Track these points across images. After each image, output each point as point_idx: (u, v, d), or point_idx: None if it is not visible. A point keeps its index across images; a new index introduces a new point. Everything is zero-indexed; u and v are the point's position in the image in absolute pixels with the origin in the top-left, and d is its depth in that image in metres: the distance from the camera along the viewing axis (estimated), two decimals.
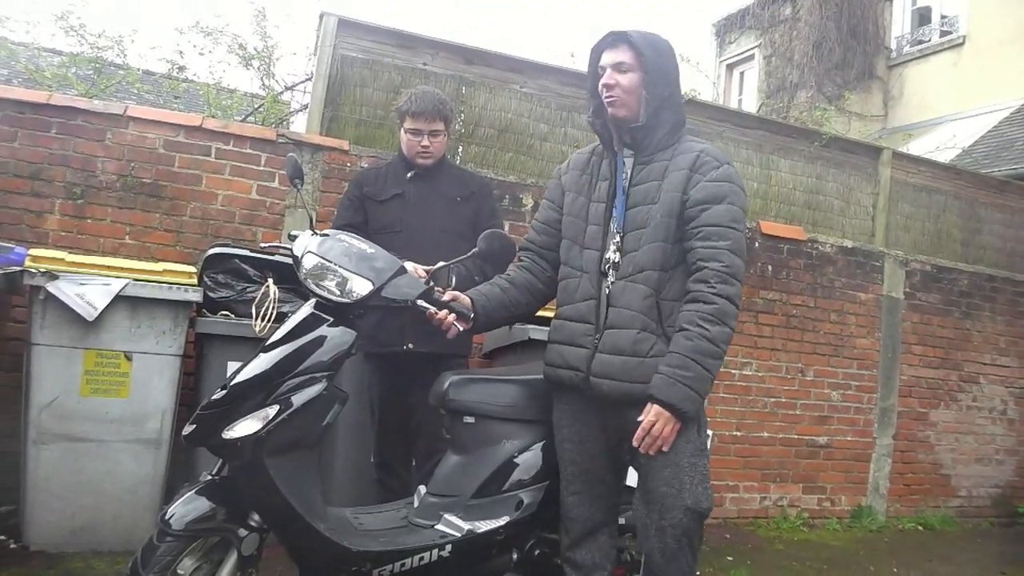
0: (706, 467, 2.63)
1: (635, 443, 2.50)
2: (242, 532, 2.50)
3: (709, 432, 4.69)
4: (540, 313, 3.21)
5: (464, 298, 2.81)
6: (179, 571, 2.46)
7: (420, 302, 2.68)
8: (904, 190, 7.02)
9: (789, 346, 6.03)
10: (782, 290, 6.03)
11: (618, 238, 2.67)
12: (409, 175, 3.67)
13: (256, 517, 2.54)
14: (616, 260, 2.66)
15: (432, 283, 2.77)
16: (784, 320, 6.01)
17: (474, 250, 2.85)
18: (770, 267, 6.00)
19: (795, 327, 6.06)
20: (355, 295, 2.60)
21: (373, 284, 2.61)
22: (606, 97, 2.69)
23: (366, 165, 4.86)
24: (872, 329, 6.37)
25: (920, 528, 6.28)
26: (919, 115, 12.95)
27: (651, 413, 2.48)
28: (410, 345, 3.47)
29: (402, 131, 3.67)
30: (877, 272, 6.43)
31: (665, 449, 2.50)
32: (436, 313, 2.72)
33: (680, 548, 2.59)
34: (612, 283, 2.66)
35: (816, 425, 6.10)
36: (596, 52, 2.75)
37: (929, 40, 13.65)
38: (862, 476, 6.30)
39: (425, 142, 3.60)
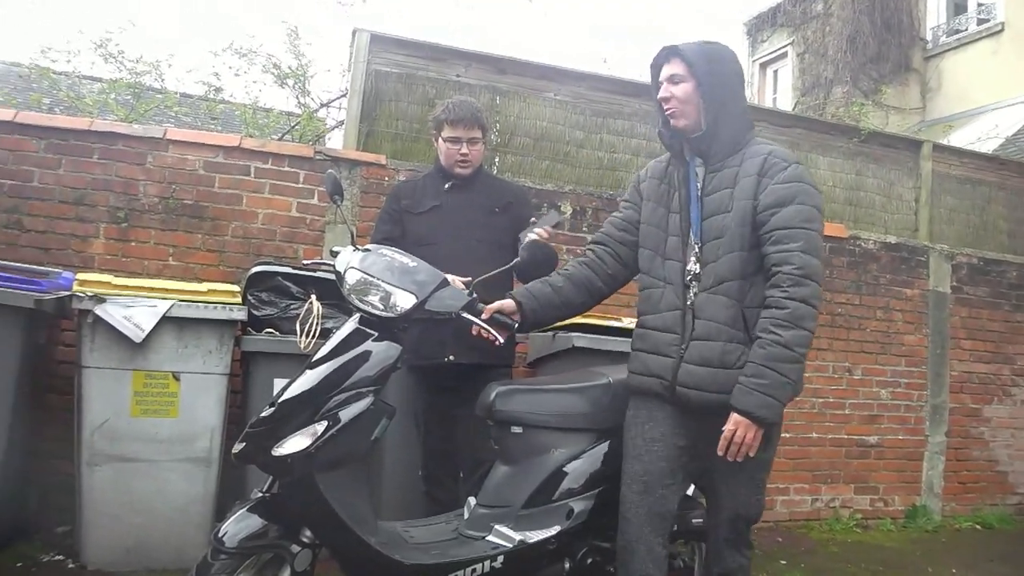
0: (764, 480, 2.72)
1: (719, 452, 2.51)
2: (295, 548, 2.51)
3: None
4: (584, 320, 3.20)
5: (508, 304, 2.81)
6: None
7: (464, 314, 2.68)
8: (947, 183, 6.91)
9: (835, 345, 5.94)
10: (826, 288, 5.91)
11: (697, 248, 2.68)
12: (447, 186, 3.67)
13: (308, 533, 2.55)
14: (697, 271, 2.66)
15: (475, 294, 2.76)
16: (829, 319, 5.93)
17: (516, 260, 2.84)
18: None
19: (841, 326, 5.98)
20: (399, 309, 2.60)
21: (417, 297, 2.61)
22: (665, 109, 2.72)
23: (404, 179, 4.88)
24: (919, 325, 6.26)
25: (978, 527, 6.14)
26: (958, 106, 12.73)
27: (731, 422, 2.49)
28: (452, 357, 3.46)
29: (440, 141, 3.67)
30: (922, 267, 6.32)
31: (751, 455, 2.52)
32: (479, 330, 2.71)
33: (728, 548, 2.73)
34: (695, 295, 2.66)
35: (866, 424, 6.00)
36: (655, 68, 2.78)
37: (966, 29, 13.43)
38: (915, 475, 6.18)
39: (464, 150, 3.60)
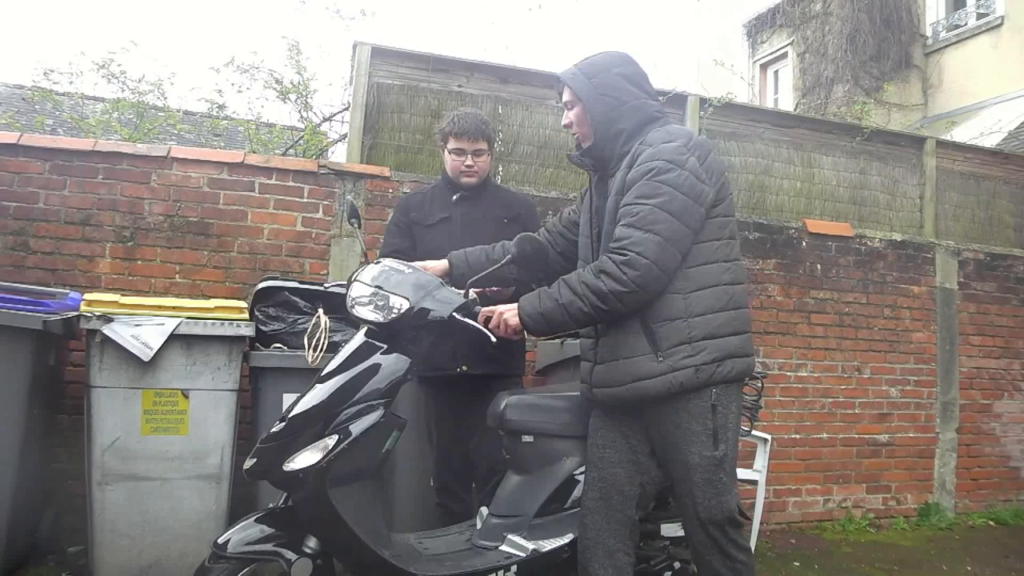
0: (723, 479, 2.60)
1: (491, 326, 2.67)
2: (292, 557, 2.52)
3: (767, 436, 4.68)
4: None
5: (442, 265, 3.11)
6: None
7: (456, 315, 2.67)
8: (951, 179, 6.89)
9: (844, 344, 5.93)
10: (833, 288, 5.94)
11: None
12: (455, 198, 3.69)
13: (311, 544, 2.56)
14: None
15: (471, 297, 2.76)
16: (837, 319, 5.92)
17: (508, 256, 2.84)
18: (819, 266, 5.91)
19: (848, 325, 5.96)
20: (393, 313, 2.62)
21: (409, 301, 2.63)
22: (573, 135, 2.89)
23: (408, 190, 4.89)
24: (928, 322, 6.24)
25: (992, 524, 6.11)
26: (960, 101, 12.72)
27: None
28: (464, 368, 3.48)
29: (446, 152, 3.70)
30: (929, 264, 6.31)
31: (502, 333, 2.66)
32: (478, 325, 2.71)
33: (708, 553, 2.64)
34: None
35: (876, 423, 5.98)
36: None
37: (966, 24, 13.42)
38: (927, 473, 6.16)
39: (469, 161, 3.63)
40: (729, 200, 2.69)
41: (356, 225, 3.01)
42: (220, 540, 2.51)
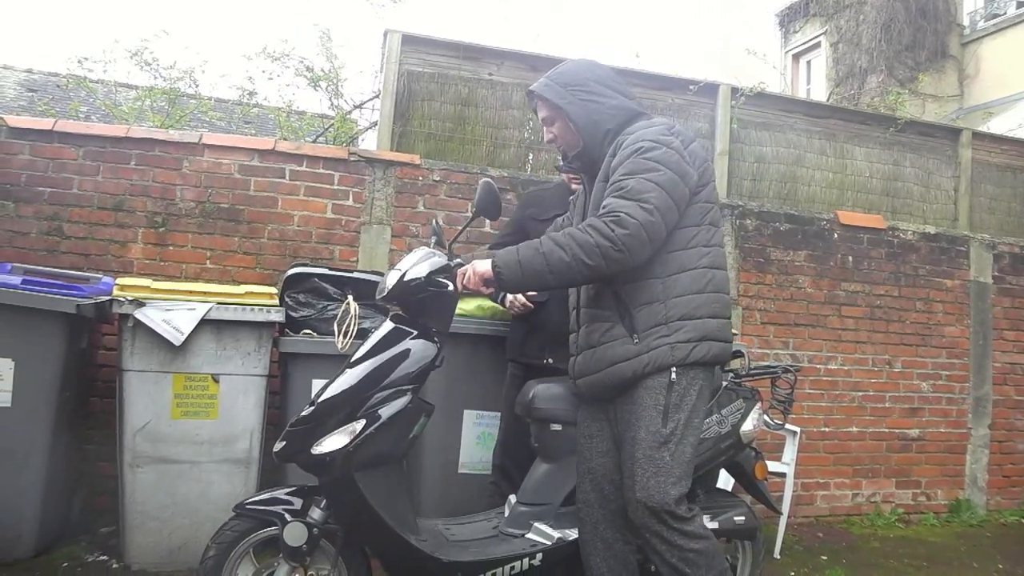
0: (665, 459, 2.51)
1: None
2: (288, 518, 2.58)
3: (796, 429, 4.64)
4: None
5: None
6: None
7: (433, 276, 2.67)
8: (987, 171, 6.78)
9: (875, 338, 5.86)
10: (864, 281, 5.87)
11: None
12: (571, 198, 3.76)
13: (314, 515, 2.61)
14: None
15: (457, 260, 2.76)
16: (868, 311, 5.85)
17: (473, 210, 2.97)
18: (851, 258, 5.85)
19: (880, 318, 5.89)
20: (386, 288, 2.69)
21: (401, 272, 2.67)
22: (560, 151, 2.90)
23: (438, 178, 4.92)
24: (961, 316, 6.16)
25: None
26: (997, 92, 12.49)
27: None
28: (550, 360, 3.61)
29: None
30: (963, 257, 6.22)
31: (468, 285, 2.60)
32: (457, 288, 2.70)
33: (651, 540, 2.53)
34: (580, 290, 2.78)
35: (907, 418, 5.92)
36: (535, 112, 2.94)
37: (1004, 13, 13.17)
38: (958, 469, 6.08)
39: None
40: (712, 187, 2.70)
41: (431, 243, 2.97)
42: (240, 500, 2.71)
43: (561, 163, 2.92)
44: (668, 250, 2.57)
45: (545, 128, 2.87)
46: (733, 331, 3.10)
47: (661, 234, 2.51)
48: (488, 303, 3.98)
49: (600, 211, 2.53)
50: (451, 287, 2.67)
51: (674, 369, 2.53)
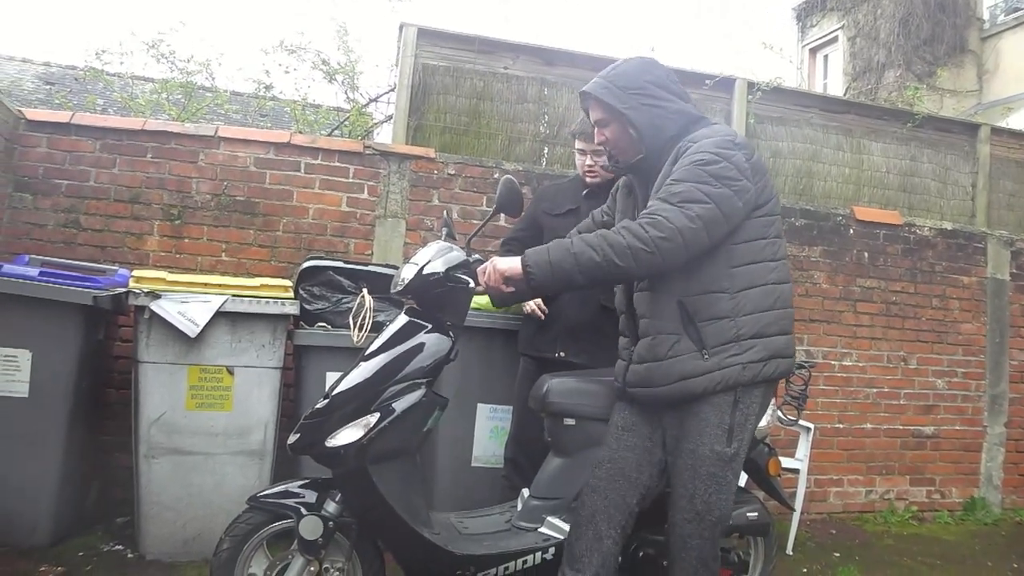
0: (728, 478, 2.58)
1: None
2: (304, 511, 2.59)
3: (810, 425, 4.63)
4: None
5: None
6: (252, 570, 2.67)
7: (452, 272, 2.66)
8: (1005, 167, 6.73)
9: (890, 334, 5.83)
10: (880, 277, 5.84)
11: None
12: (584, 192, 3.83)
13: (329, 509, 2.61)
14: None
15: (476, 256, 2.78)
16: (884, 308, 5.82)
17: (493, 207, 2.95)
18: (866, 254, 5.82)
19: (895, 315, 5.86)
20: (403, 282, 2.67)
21: (419, 266, 2.66)
22: (608, 152, 2.84)
23: (453, 172, 4.92)
24: (977, 313, 6.12)
25: None
26: (1017, 87, 12.37)
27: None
28: (561, 353, 3.64)
29: (575, 151, 3.87)
30: (980, 254, 6.17)
31: (490, 283, 2.56)
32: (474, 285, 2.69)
33: (685, 550, 2.58)
34: (636, 295, 2.71)
35: (922, 415, 5.89)
36: (585, 112, 2.89)
37: None
38: (973, 467, 6.05)
39: (589, 161, 3.75)
40: (775, 200, 2.66)
41: (442, 237, 2.96)
42: (254, 493, 2.71)
43: (618, 165, 2.83)
44: (735, 264, 2.54)
45: (597, 130, 2.79)
46: None
47: (702, 244, 2.47)
48: None
49: (643, 213, 2.51)
50: (472, 284, 2.66)
51: (740, 388, 2.53)
